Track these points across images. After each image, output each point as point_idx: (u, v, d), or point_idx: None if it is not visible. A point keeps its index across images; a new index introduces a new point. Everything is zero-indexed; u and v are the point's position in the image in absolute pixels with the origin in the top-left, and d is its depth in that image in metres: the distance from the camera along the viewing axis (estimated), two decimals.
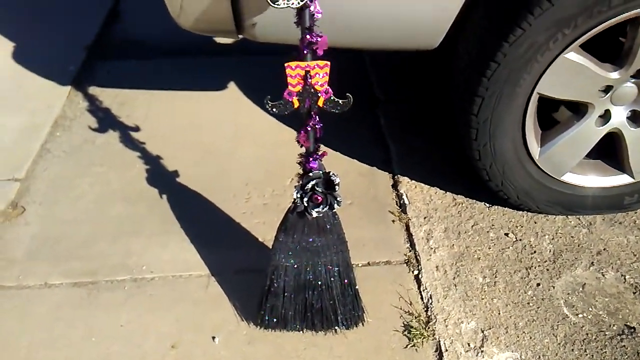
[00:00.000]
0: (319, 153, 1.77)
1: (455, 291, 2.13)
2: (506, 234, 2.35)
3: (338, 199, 1.78)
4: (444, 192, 2.54)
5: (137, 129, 2.91)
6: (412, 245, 2.31)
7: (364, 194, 2.55)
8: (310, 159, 1.74)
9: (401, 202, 2.50)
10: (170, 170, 2.65)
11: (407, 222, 2.41)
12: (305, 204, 1.77)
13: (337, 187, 1.76)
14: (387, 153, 2.77)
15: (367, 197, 2.54)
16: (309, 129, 1.71)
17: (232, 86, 3.21)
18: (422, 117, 2.97)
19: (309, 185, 1.74)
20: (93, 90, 3.19)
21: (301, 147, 1.77)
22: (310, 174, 1.74)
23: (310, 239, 1.85)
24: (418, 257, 2.25)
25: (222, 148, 2.81)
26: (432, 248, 2.29)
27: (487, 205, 2.48)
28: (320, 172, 1.76)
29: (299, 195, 1.76)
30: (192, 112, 3.04)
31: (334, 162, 2.65)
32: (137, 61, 3.40)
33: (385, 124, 2.93)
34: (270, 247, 1.90)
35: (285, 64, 1.64)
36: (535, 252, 2.28)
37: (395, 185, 2.59)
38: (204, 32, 2.04)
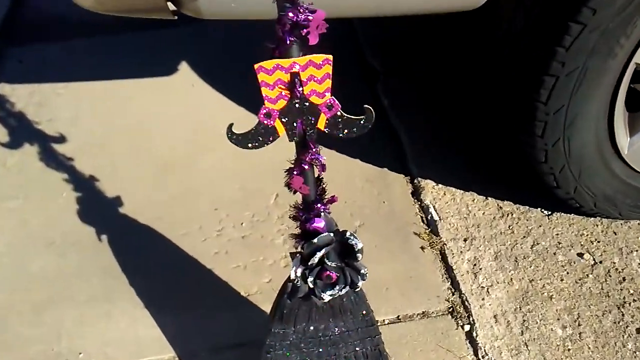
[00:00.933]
0: (325, 200, 1.08)
1: (528, 354, 1.50)
2: (580, 255, 1.71)
3: (362, 271, 1.11)
4: (484, 197, 1.88)
5: (62, 138, 2.17)
6: (455, 285, 1.66)
7: (376, 210, 1.89)
8: (312, 214, 1.06)
9: (428, 217, 1.84)
10: (111, 197, 1.94)
11: (442, 248, 1.75)
12: (312, 284, 1.10)
13: (358, 254, 1.08)
14: (398, 146, 2.09)
15: (380, 214, 1.87)
16: (306, 166, 1.02)
17: (183, 68, 2.46)
18: (435, 93, 2.27)
19: (316, 259, 1.06)
20: (1, 88, 2.41)
21: (294, 193, 1.07)
22: (315, 240, 1.06)
23: (322, 326, 1.19)
24: (466, 302, 1.61)
25: (179, 157, 2.09)
26: (483, 287, 1.65)
27: (546, 212, 1.83)
28: (330, 234, 1.07)
29: (299, 274, 1.08)
30: (135, 108, 2.30)
31: (329, 164, 1.96)
32: (58, 44, 2.61)
33: (390, 104, 2.23)
34: (264, 340, 1.23)
35: (256, 66, 0.93)
36: (624, 279, 1.65)
37: (416, 193, 1.93)
38: (116, 11, 1.30)
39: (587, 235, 1.76)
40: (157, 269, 1.74)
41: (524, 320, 1.56)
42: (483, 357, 1.50)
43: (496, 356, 1.50)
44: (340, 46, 2.52)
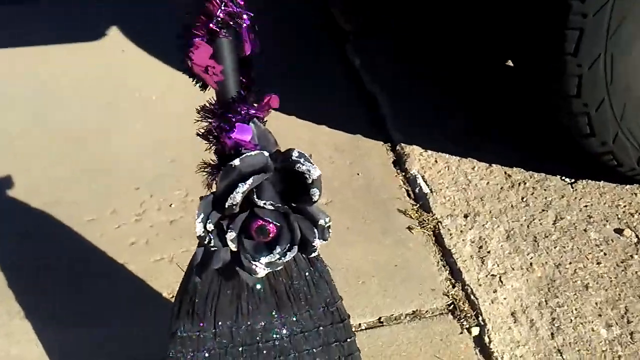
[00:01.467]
0: (254, 99, 0.64)
1: None
2: (619, 232, 1.29)
3: (321, 221, 0.66)
4: (487, 164, 1.46)
5: None
6: (456, 274, 1.22)
7: (347, 183, 1.45)
8: (231, 115, 0.61)
9: (416, 190, 1.41)
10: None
11: (436, 227, 1.31)
12: (233, 245, 0.64)
13: (313, 191, 0.63)
14: (374, 109, 1.66)
15: (353, 188, 1.43)
16: (217, 26, 0.57)
17: (114, 34, 2.02)
18: (412, 50, 1.86)
19: (237, 197, 0.60)
20: None
21: (202, 88, 0.63)
22: (236, 162, 0.61)
23: (261, 324, 0.74)
24: (473, 296, 1.17)
25: (93, 127, 1.64)
26: (494, 276, 1.21)
27: (567, 180, 1.41)
28: (264, 154, 0.62)
29: (209, 227, 0.62)
30: (46, 73, 1.84)
31: (288, 133, 1.54)
32: None
33: (362, 65, 1.81)
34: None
35: None
36: None
37: (399, 162, 1.50)
38: None
39: (625, 206, 1.34)
40: (49, 266, 1.26)
41: (554, 319, 1.12)
42: None
43: None
44: (304, 5, 2.11)
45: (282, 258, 0.65)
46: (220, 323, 0.73)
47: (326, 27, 2.00)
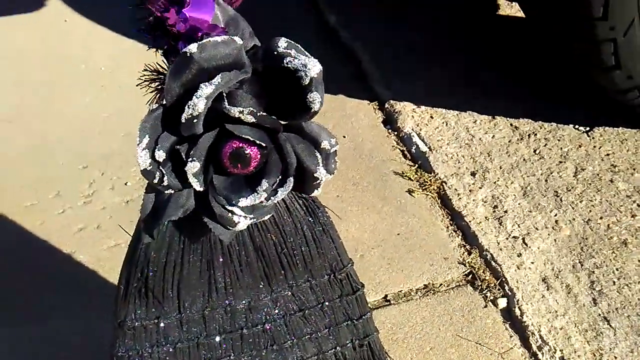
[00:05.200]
0: None
1: (614, 335, 0.87)
2: None
3: (323, 144, 0.46)
4: (490, 117, 1.28)
5: None
6: (471, 238, 1.03)
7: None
8: None
9: (412, 149, 1.22)
10: None
11: (440, 187, 1.12)
12: (198, 183, 0.43)
13: (312, 96, 0.43)
14: (355, 66, 1.46)
15: (343, 153, 1.23)
16: None
17: (55, 3, 1.78)
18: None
19: (199, 104, 0.39)
20: None
21: None
22: (194, 49, 0.40)
23: (244, 303, 0.53)
24: (494, 263, 0.98)
25: (32, 101, 1.40)
26: (516, 238, 1.02)
27: (582, 129, 1.23)
28: (235, 38, 0.42)
29: (160, 156, 0.41)
30: None
31: None
32: None
33: (338, 22, 1.61)
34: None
35: None
36: None
37: (390, 121, 1.30)
38: None
39: None
40: None
41: (593, 282, 0.94)
42: (541, 348, 0.87)
43: (563, 345, 0.87)
44: None
45: (272, 198, 0.44)
46: (187, 304, 0.52)
47: None
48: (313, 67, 0.43)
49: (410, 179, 1.16)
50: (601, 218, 1.05)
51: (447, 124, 1.27)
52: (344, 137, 1.28)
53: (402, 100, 1.33)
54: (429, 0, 1.64)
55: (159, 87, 0.46)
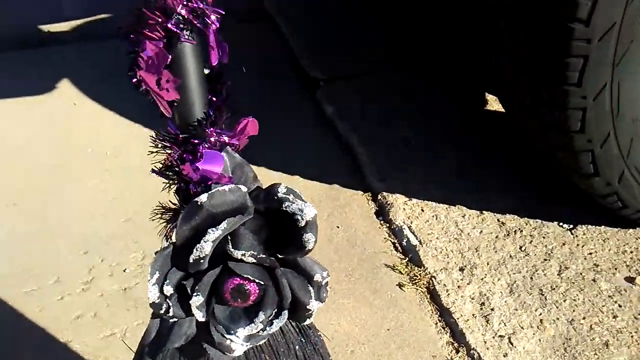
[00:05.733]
0: (224, 124, 0.49)
1: None
2: (630, 280, 1.16)
3: (316, 277, 0.51)
4: (478, 212, 1.33)
5: None
6: (458, 336, 1.06)
7: (327, 238, 1.30)
8: (197, 142, 0.46)
9: (404, 242, 1.26)
10: None
11: (430, 282, 1.16)
12: (201, 315, 0.47)
13: (307, 238, 0.48)
14: (351, 158, 1.53)
15: (334, 243, 1.28)
16: (177, 28, 0.43)
17: (65, 86, 1.86)
18: (388, 90, 1.76)
19: (206, 248, 0.44)
20: None
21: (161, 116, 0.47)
22: (204, 199, 0.45)
23: None
24: None
25: (37, 184, 1.46)
26: (502, 337, 1.05)
27: (566, 226, 1.29)
28: (241, 188, 0.47)
29: (168, 290, 0.46)
30: None
31: (265, 184, 1.37)
32: None
33: (336, 113, 1.69)
34: None
35: None
36: None
37: (382, 213, 1.35)
38: None
39: (632, 252, 1.22)
40: None
41: None
42: None
43: None
44: (271, 53, 2.01)
45: (267, 328, 0.49)
46: None
47: (296, 75, 1.89)
48: (309, 212, 0.49)
49: (400, 272, 1.20)
50: (584, 318, 1.09)
51: (437, 218, 1.32)
52: (338, 227, 1.33)
53: (395, 193, 1.39)
54: (422, 94, 1.74)
55: (170, 220, 0.51)
